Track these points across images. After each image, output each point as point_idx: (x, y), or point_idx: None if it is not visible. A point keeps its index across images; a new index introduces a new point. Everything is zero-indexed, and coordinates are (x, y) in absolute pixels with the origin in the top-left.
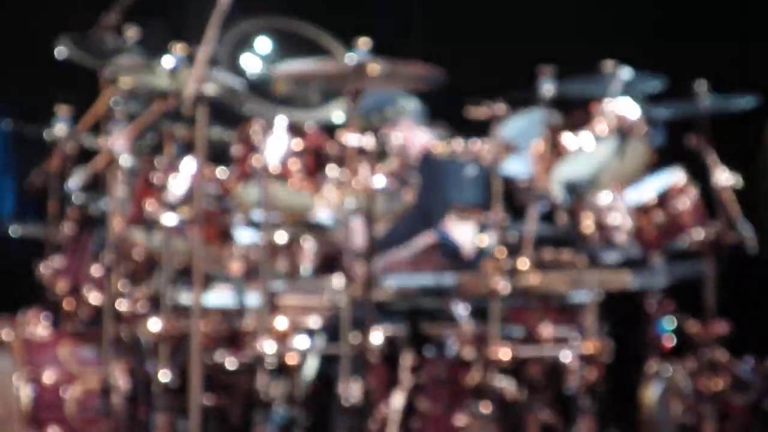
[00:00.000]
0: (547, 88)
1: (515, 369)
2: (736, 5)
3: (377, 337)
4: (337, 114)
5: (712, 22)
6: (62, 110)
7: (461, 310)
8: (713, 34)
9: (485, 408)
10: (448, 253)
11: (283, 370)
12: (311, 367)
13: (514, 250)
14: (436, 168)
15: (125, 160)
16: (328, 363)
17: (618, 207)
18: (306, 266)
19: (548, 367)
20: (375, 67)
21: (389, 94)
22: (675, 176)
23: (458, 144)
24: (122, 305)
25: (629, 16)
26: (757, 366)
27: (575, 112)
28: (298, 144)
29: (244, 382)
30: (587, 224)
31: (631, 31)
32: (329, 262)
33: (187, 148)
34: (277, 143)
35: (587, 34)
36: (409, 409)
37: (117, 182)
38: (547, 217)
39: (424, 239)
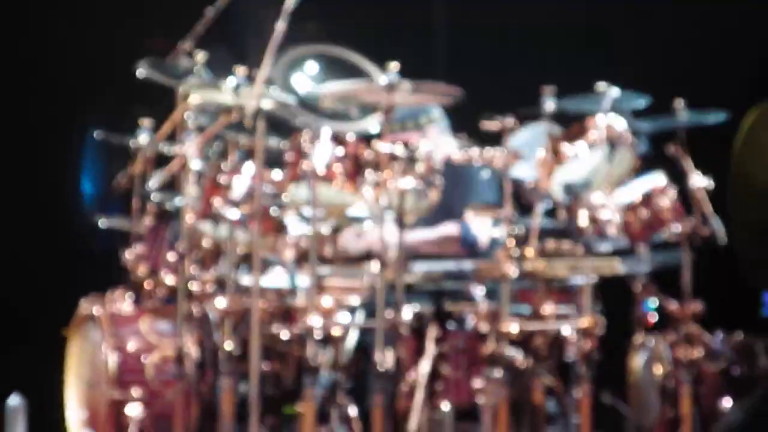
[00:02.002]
0: (549, 105)
1: (523, 341)
2: (711, 35)
3: (407, 313)
4: (372, 126)
5: (689, 49)
6: (144, 122)
7: (478, 291)
8: (690, 59)
9: (498, 373)
10: (467, 244)
11: (328, 340)
12: (352, 339)
13: (521, 241)
14: (457, 172)
15: (196, 164)
16: (366, 335)
17: (609, 205)
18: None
19: (550, 339)
20: (404, 86)
21: (421, 106)
22: (657, 179)
23: (474, 152)
24: (193, 286)
25: (619, 44)
26: (726, 338)
27: (572, 125)
28: (340, 151)
29: (295, 351)
30: (583, 219)
31: (620, 57)
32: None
33: (248, 154)
34: (322, 150)
35: (583, 60)
36: (434, 374)
37: (189, 183)
38: (550, 213)
39: (449, 229)
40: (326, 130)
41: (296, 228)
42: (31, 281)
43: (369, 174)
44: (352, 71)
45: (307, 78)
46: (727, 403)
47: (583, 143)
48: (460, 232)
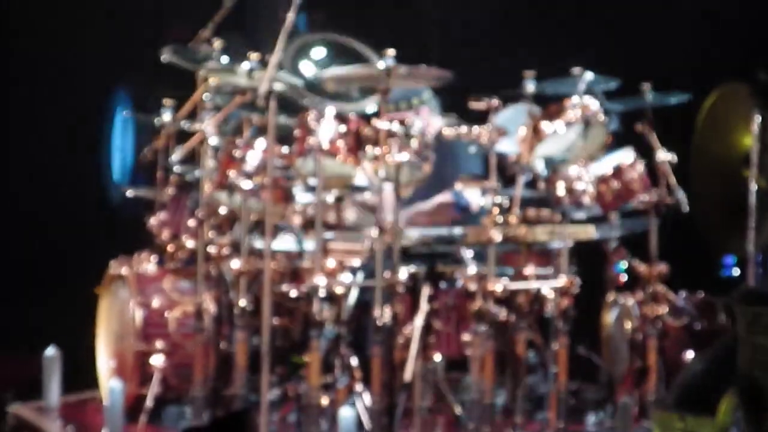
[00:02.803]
0: (530, 87)
1: (506, 299)
2: (676, 23)
3: (403, 274)
4: (371, 106)
5: (655, 36)
6: (167, 102)
7: (466, 254)
8: (656, 45)
9: (484, 328)
10: (460, 208)
11: (332, 298)
12: (353, 296)
13: (505, 209)
14: (447, 147)
15: (213, 139)
16: (366, 293)
17: (583, 177)
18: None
19: (531, 298)
20: (399, 70)
21: (414, 89)
22: (626, 154)
23: (463, 129)
24: (211, 249)
25: (592, 32)
26: (689, 297)
27: (551, 105)
28: (342, 128)
29: (302, 307)
30: (560, 190)
31: (594, 44)
32: (362, 221)
33: (260, 130)
34: (327, 127)
35: (560, 47)
36: (427, 329)
37: (207, 156)
38: (530, 184)
39: (443, 196)
40: (330, 110)
41: (303, 197)
42: (67, 245)
43: (368, 149)
44: (353, 56)
45: (313, 63)
46: (689, 354)
47: (560, 122)
48: (453, 199)
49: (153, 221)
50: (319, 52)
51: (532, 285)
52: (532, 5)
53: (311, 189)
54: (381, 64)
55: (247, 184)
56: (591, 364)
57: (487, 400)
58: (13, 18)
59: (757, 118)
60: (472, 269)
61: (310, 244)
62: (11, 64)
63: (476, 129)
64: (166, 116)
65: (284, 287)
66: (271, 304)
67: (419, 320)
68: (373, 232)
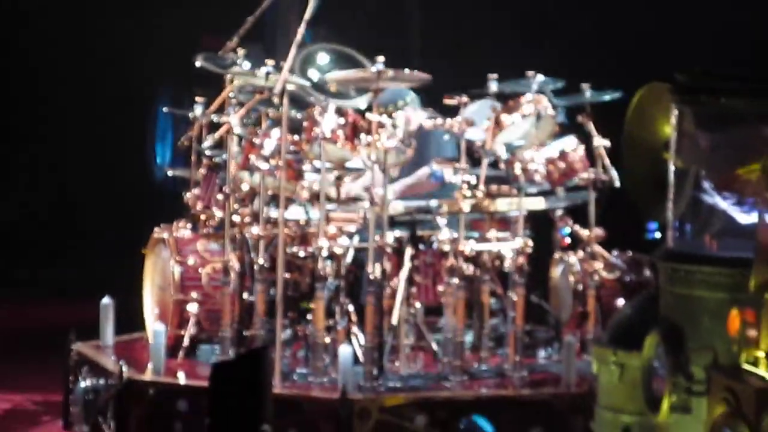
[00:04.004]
0: (492, 87)
1: (473, 257)
2: (609, 36)
3: (390, 237)
4: (365, 102)
5: (593, 46)
6: (199, 99)
7: (441, 221)
8: (593, 53)
9: (456, 281)
10: (436, 177)
11: (333, 257)
12: (350, 256)
13: (473, 185)
14: (426, 135)
15: (237, 129)
16: (360, 253)
17: (536, 159)
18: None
19: (493, 256)
20: (387, 74)
21: (399, 92)
22: (570, 141)
23: (439, 121)
24: (235, 218)
25: (543, 41)
26: (620, 255)
27: (509, 101)
28: (342, 120)
29: (309, 265)
30: (517, 169)
31: (544, 51)
32: (358, 195)
33: (275, 122)
34: (329, 120)
35: (517, 54)
36: (409, 282)
37: (232, 143)
38: (493, 165)
39: (423, 170)
40: (331, 105)
41: (310, 176)
42: (120, 214)
43: (362, 137)
44: (350, 63)
45: (317, 68)
46: (620, 301)
47: (517, 115)
48: (431, 171)
49: (188, 196)
50: (322, 59)
51: (494, 246)
52: (496, 20)
53: (316, 169)
54: (372, 69)
55: (264, 165)
56: (542, 310)
57: (458, 338)
58: (89, 38)
59: (675, 111)
60: (445, 233)
61: (315, 214)
62: (86, 68)
63: (449, 120)
64: (199, 111)
65: (294, 248)
66: (284, 262)
67: (403, 275)
68: (366, 203)
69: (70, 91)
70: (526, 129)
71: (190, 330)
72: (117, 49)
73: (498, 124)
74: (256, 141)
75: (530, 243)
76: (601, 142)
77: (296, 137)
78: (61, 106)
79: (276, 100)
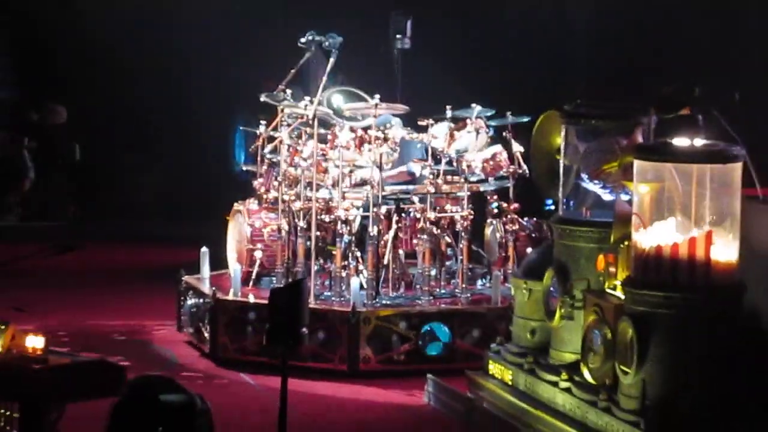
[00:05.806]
0: (449, 113)
1: (437, 221)
2: (522, 76)
3: (383, 209)
4: (368, 123)
5: (512, 85)
6: (263, 121)
7: (416, 199)
8: (512, 90)
9: (425, 236)
10: (411, 174)
11: (347, 222)
12: (358, 221)
13: (436, 175)
14: (406, 145)
15: (287, 140)
16: (365, 219)
17: (476, 159)
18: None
19: (449, 221)
20: (381, 106)
21: (388, 117)
22: (497, 147)
23: (414, 135)
24: (285, 197)
25: (481, 81)
26: (529, 220)
27: (459, 122)
28: (353, 135)
29: (332, 226)
30: (464, 165)
31: (482, 88)
32: (363, 182)
33: (310, 136)
34: (345, 134)
35: (464, 91)
36: (395, 237)
37: (283, 149)
38: (449, 163)
39: (404, 167)
40: (346, 125)
41: (333, 171)
42: (214, 194)
43: (366, 145)
44: (357, 98)
45: (337, 101)
46: (529, 249)
47: (464, 131)
48: (408, 169)
49: (256, 183)
50: (339, 95)
51: (449, 214)
52: (447, 69)
53: (337, 166)
54: (371, 101)
55: (303, 164)
56: (479, 255)
57: (426, 273)
58: (194, 81)
59: (563, 128)
60: (418, 206)
61: (336, 194)
62: (192, 103)
63: (421, 135)
64: (262, 128)
65: (322, 216)
66: (315, 224)
67: (391, 233)
68: (367, 187)
69: (174, 118)
70: (469, 140)
71: (257, 268)
72: (211, 89)
73: (452, 137)
74: (298, 148)
75: (472, 213)
76: (518, 148)
77: (324, 146)
78: (166, 128)
79: (310, 122)
